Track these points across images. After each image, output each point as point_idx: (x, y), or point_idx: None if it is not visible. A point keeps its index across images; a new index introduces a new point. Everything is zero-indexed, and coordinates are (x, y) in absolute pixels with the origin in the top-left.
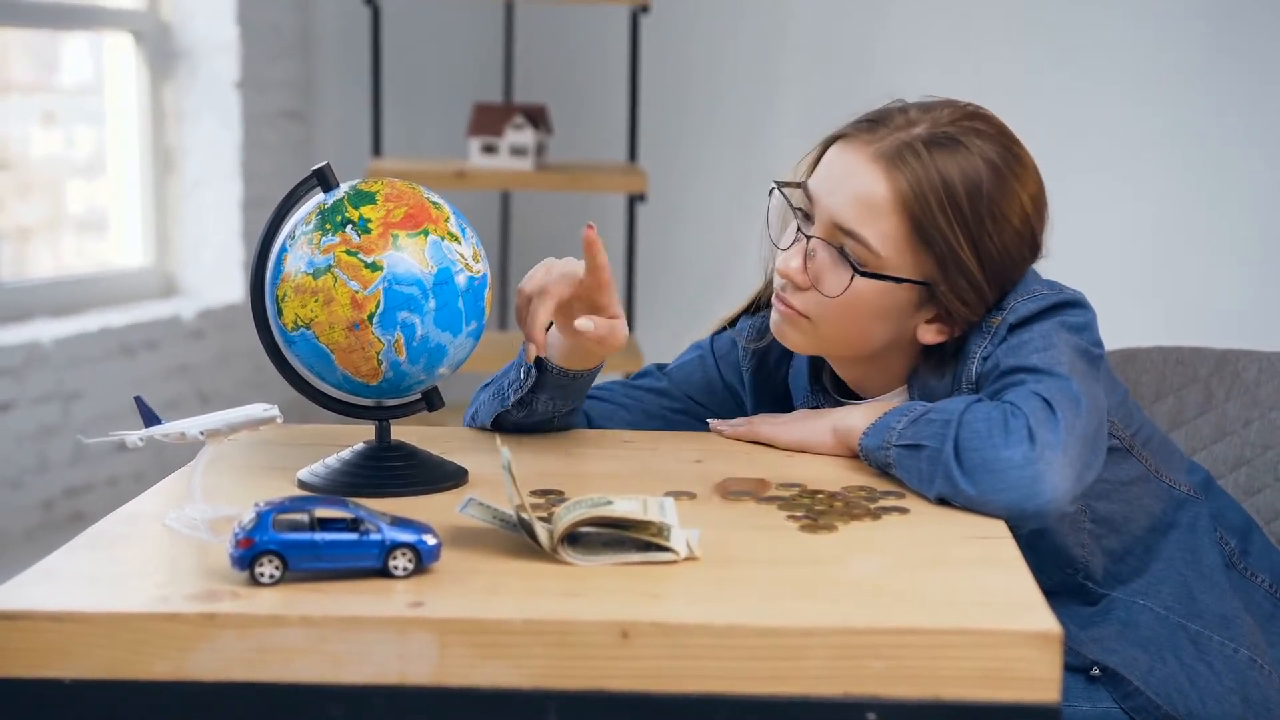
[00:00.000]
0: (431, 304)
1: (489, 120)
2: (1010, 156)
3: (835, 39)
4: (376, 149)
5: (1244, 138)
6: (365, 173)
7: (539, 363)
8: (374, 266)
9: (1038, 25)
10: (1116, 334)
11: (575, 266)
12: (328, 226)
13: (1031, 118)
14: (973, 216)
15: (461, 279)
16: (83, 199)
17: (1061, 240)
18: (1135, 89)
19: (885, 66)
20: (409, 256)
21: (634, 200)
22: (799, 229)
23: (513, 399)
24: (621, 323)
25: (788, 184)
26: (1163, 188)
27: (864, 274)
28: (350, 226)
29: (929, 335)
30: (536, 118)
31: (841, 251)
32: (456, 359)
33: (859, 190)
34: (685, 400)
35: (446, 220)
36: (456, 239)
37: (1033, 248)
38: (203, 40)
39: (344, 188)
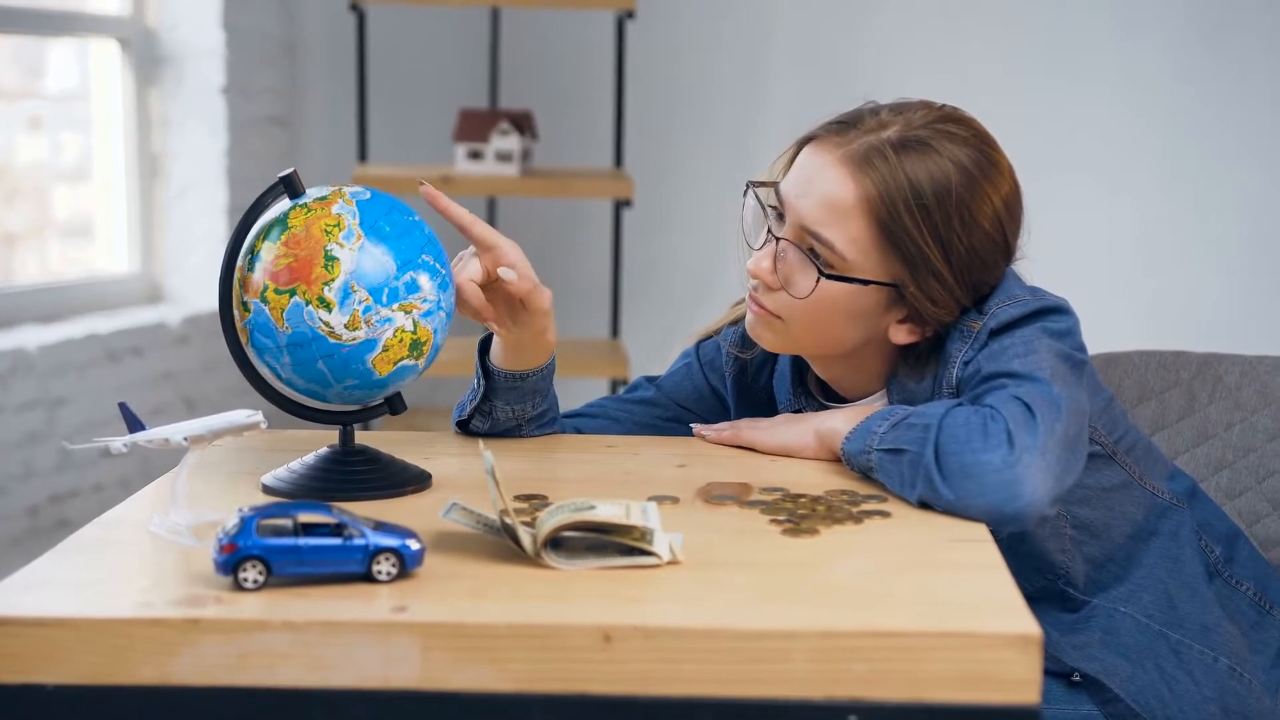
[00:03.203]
0: (287, 359)
1: (475, 126)
2: (983, 159)
3: (821, 43)
4: (362, 155)
5: (1229, 141)
6: (351, 178)
7: (486, 369)
8: (245, 306)
9: (1024, 29)
10: (1099, 337)
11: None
12: (255, 243)
13: (1017, 120)
14: (941, 219)
15: (324, 345)
16: (68, 205)
17: (1045, 242)
18: (1120, 92)
19: (872, 70)
20: (267, 311)
21: (620, 206)
22: (769, 230)
23: (469, 408)
24: (533, 280)
25: (761, 183)
26: (1147, 191)
27: (830, 276)
28: (250, 256)
29: (901, 335)
30: (522, 123)
31: (810, 253)
32: (344, 402)
33: (826, 193)
34: (675, 409)
35: (327, 284)
36: (329, 305)
37: (1005, 251)
38: (188, 46)
39: (305, 197)
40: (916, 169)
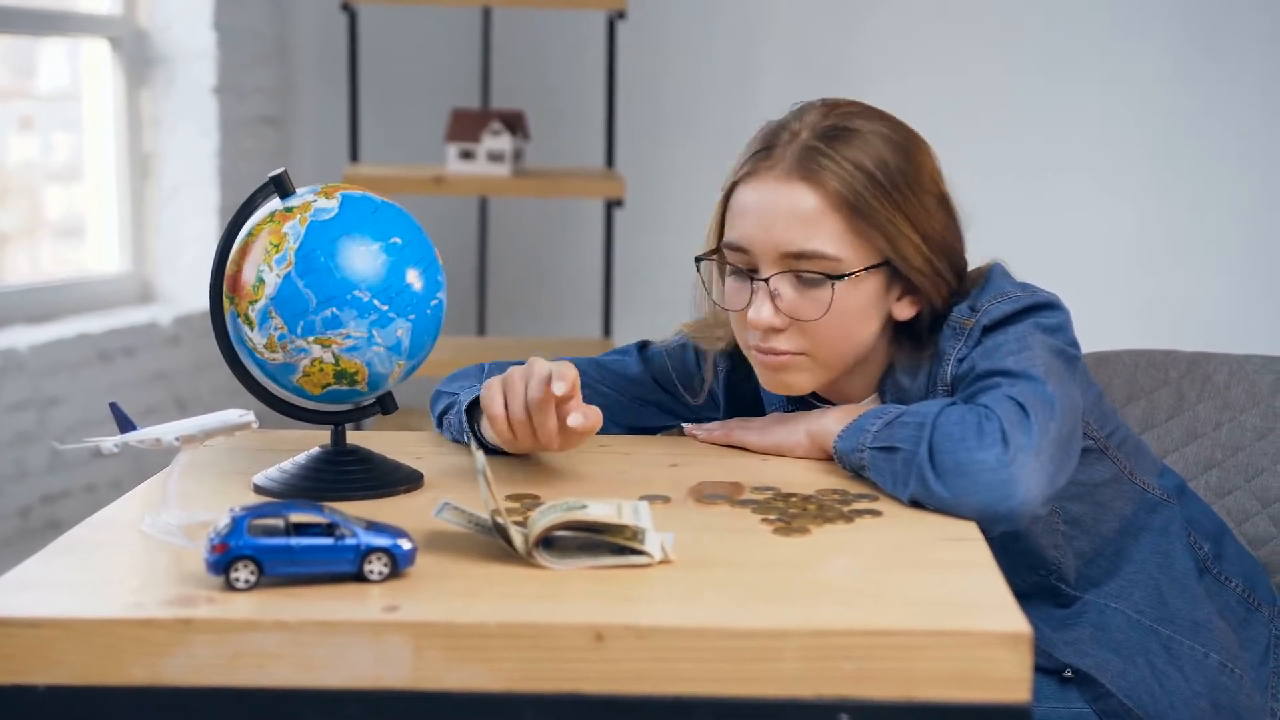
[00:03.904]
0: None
1: (466, 126)
2: (895, 126)
3: (814, 44)
4: (354, 155)
5: (1225, 142)
6: (342, 178)
7: (480, 440)
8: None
9: (1019, 27)
10: (1095, 337)
11: (540, 372)
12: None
13: (1014, 120)
14: (891, 187)
15: (252, 357)
16: (60, 205)
17: (1042, 241)
18: (1117, 92)
19: (864, 71)
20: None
21: (611, 206)
22: (750, 279)
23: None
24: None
25: (708, 255)
26: (1143, 191)
27: (837, 278)
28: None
29: (904, 311)
30: (514, 123)
31: (801, 275)
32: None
33: (790, 210)
34: (658, 392)
35: (253, 303)
36: (252, 324)
37: (949, 209)
38: (180, 46)
39: (294, 198)
40: (854, 152)
